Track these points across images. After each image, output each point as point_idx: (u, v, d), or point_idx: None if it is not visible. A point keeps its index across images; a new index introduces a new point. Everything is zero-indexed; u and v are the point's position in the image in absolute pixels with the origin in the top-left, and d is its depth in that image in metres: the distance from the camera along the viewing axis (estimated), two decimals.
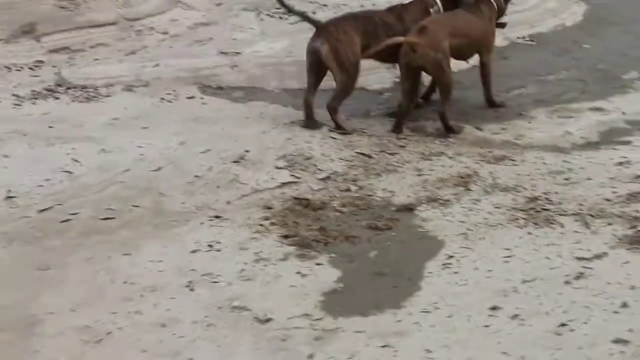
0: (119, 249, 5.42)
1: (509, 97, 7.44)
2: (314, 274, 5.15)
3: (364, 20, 7.14)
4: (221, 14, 9.22)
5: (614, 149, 6.60)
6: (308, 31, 8.07)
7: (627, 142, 6.68)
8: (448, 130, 6.91)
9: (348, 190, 6.10)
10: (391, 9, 7.32)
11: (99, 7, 8.79)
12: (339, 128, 6.90)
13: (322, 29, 7.02)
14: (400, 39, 6.81)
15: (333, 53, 6.95)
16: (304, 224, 5.66)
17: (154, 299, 4.91)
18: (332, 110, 6.95)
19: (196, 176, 6.23)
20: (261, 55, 8.22)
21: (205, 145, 6.63)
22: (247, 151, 6.51)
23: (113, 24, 8.68)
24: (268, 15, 9.06)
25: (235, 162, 6.38)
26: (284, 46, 8.34)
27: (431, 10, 7.24)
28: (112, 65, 8.12)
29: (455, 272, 5.12)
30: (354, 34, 6.99)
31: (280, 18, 8.94)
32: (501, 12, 7.37)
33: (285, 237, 5.52)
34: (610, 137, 6.78)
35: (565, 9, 9.66)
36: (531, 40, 8.85)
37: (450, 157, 6.52)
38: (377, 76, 7.63)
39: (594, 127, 6.95)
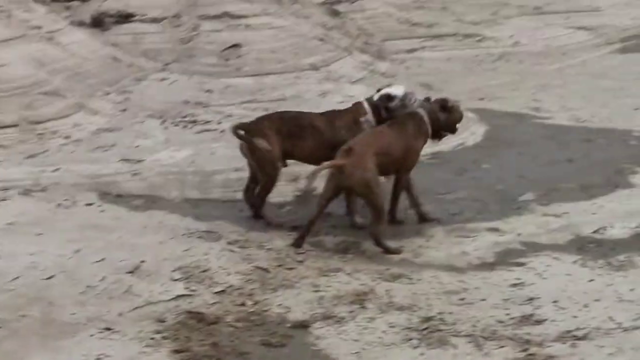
0: None
1: (408, 215, 7.50)
2: None
3: (289, 121, 7.30)
4: (126, 120, 9.17)
5: (509, 270, 6.67)
6: (212, 141, 8.15)
7: (522, 264, 6.76)
8: (386, 252, 6.89)
9: (243, 304, 6.04)
10: (324, 113, 7.48)
11: (1, 109, 8.68)
12: (270, 224, 7.24)
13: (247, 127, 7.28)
14: (328, 164, 6.87)
15: (249, 152, 7.23)
16: (197, 339, 5.58)
17: None
18: (257, 205, 7.34)
19: (88, 286, 6.12)
20: (163, 164, 8.17)
21: (100, 254, 6.53)
22: (142, 261, 6.42)
23: (15, 125, 8.57)
24: (173, 123, 9.04)
25: (129, 272, 6.29)
26: (187, 155, 8.31)
27: (361, 119, 7.34)
28: (11, 168, 7.99)
29: None
30: (271, 135, 7.17)
31: (185, 127, 8.94)
32: (447, 124, 7.53)
33: (177, 352, 5.44)
34: (505, 258, 6.86)
35: (466, 129, 9.85)
36: (432, 159, 8.99)
37: (347, 274, 6.52)
38: (277, 189, 7.62)
39: (490, 247, 7.03)
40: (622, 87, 11.84)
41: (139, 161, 8.21)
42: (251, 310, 5.99)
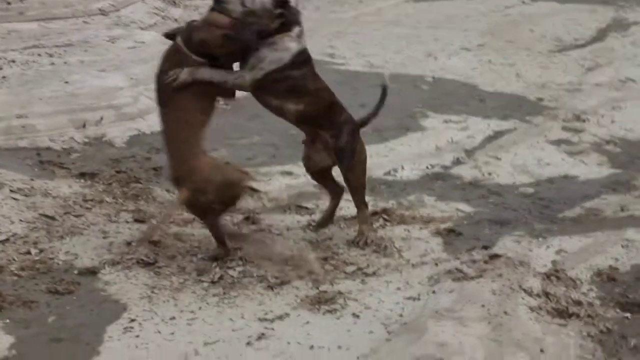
0: None
1: None
2: None
3: None
4: None
5: (300, 213, 6.68)
6: None
7: (315, 207, 6.79)
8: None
9: (28, 253, 5.81)
10: None
11: None
12: None
13: None
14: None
15: None
16: None
17: None
18: None
19: None
20: None
21: None
22: None
23: None
24: None
25: None
26: None
27: None
28: None
29: (137, 336, 4.99)
30: None
31: None
32: None
33: None
34: (298, 201, 6.87)
35: None
36: (225, 104, 8.89)
37: (137, 221, 6.36)
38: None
39: (283, 190, 7.02)
40: (416, 35, 12.10)
41: None
42: (36, 258, 5.75)
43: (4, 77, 8.25)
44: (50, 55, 8.51)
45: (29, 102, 7.84)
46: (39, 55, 8.74)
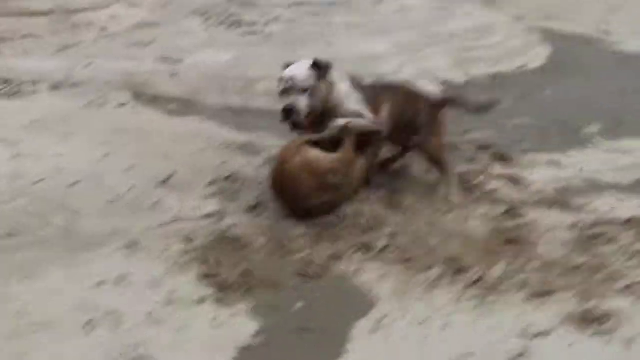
0: (16, 273, 4.86)
1: (462, 141, 6.97)
2: (231, 324, 4.67)
3: None
4: (167, 15, 8.67)
5: (568, 210, 6.12)
6: (257, 44, 7.65)
7: (582, 204, 6.21)
8: None
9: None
10: None
11: None
12: None
13: None
14: None
15: None
16: (227, 264, 5.15)
17: (46, 338, 4.37)
18: None
19: (116, 195, 5.69)
20: (204, 66, 7.66)
21: (130, 160, 6.09)
22: (175, 172, 5.96)
23: (48, 14, 8.10)
24: (217, 22, 8.50)
25: (160, 183, 5.84)
26: (230, 58, 7.79)
27: None
28: (42, 59, 7.55)
29: (386, 336, 4.64)
30: None
31: (230, 27, 8.39)
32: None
33: (205, 276, 5.01)
34: (565, 196, 6.30)
35: (530, 50, 9.27)
36: (492, 80, 8.44)
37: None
38: None
39: (549, 182, 6.48)
40: None
41: (178, 61, 7.71)
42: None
43: (269, 33, 8.11)
44: (315, 15, 8.28)
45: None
46: (304, 13, 8.55)
